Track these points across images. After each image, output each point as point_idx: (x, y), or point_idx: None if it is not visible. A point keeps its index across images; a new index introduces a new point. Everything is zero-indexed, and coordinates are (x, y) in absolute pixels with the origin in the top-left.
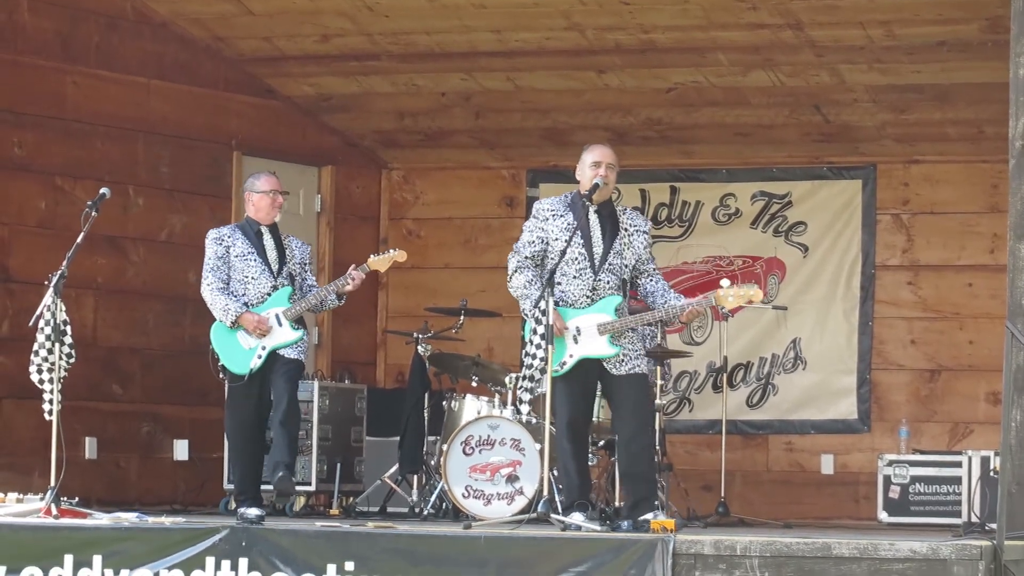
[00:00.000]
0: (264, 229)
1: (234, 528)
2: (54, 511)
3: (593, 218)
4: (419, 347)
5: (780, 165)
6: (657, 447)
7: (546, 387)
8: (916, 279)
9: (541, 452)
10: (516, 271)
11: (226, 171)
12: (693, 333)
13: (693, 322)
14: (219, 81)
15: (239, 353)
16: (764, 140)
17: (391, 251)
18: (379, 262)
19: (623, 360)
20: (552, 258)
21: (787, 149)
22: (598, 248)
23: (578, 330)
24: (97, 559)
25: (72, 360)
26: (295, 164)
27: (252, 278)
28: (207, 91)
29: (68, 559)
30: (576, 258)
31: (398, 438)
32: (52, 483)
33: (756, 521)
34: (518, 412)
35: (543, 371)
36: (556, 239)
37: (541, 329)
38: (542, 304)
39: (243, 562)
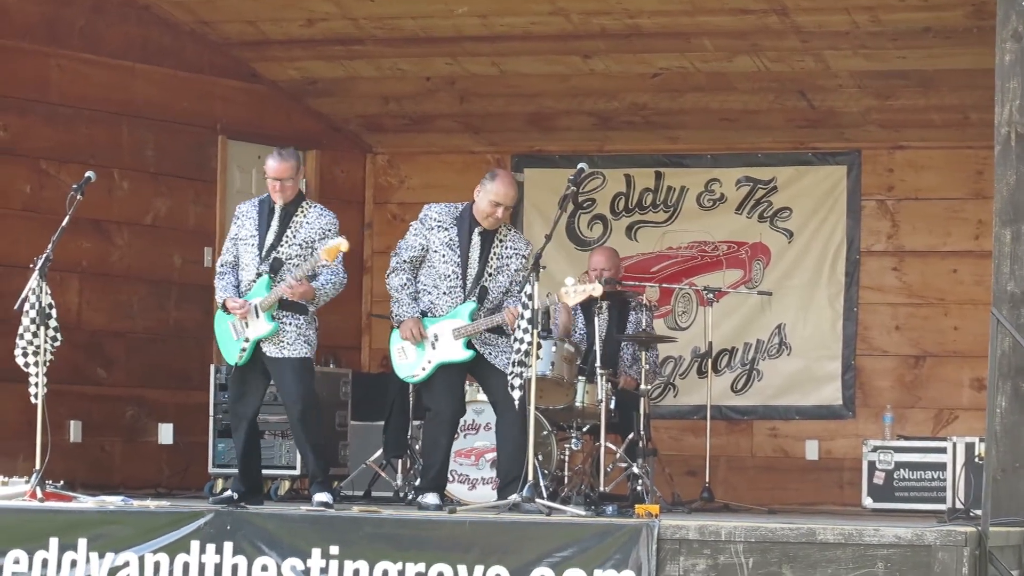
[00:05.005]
0: (277, 208)
1: (219, 512)
2: (39, 494)
3: (476, 239)
4: None
5: (765, 150)
6: (642, 432)
7: (532, 373)
8: (901, 265)
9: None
10: (393, 271)
11: (211, 155)
12: (678, 318)
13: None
14: (204, 65)
15: (229, 342)
16: (749, 125)
17: (337, 239)
18: (327, 252)
19: (497, 356)
20: (430, 265)
21: (772, 135)
22: (472, 269)
23: (436, 336)
24: (82, 542)
25: (57, 343)
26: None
27: (246, 264)
28: (192, 75)
29: (53, 542)
30: (449, 275)
31: (383, 422)
32: (37, 466)
33: (740, 506)
34: None
35: (528, 354)
36: (435, 251)
37: (528, 314)
38: (528, 288)
39: (228, 546)
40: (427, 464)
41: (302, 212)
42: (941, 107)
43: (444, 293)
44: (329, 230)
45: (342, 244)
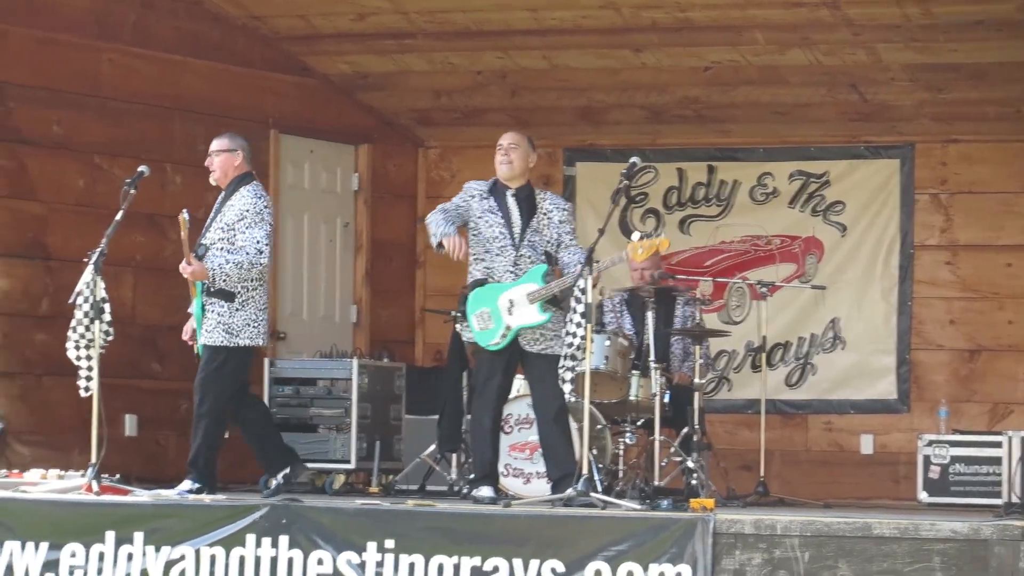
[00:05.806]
0: (223, 194)
1: (275, 506)
2: (95, 488)
3: (511, 200)
4: (457, 325)
5: (817, 144)
6: (696, 426)
7: (586, 365)
8: (955, 259)
9: (580, 431)
10: (434, 211)
11: (262, 149)
12: (731, 312)
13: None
14: (255, 59)
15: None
16: (801, 119)
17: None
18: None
19: (538, 339)
20: (477, 233)
21: (824, 128)
22: (516, 226)
23: (511, 303)
24: (138, 536)
25: (110, 337)
26: (332, 142)
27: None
28: (243, 69)
29: (110, 536)
30: (497, 236)
31: (437, 416)
32: (93, 460)
33: (796, 501)
34: None
35: (581, 348)
36: (479, 218)
37: (581, 307)
38: (581, 282)
39: (283, 539)
40: (474, 451)
41: (236, 195)
42: (994, 100)
43: (496, 254)
44: (247, 210)
45: (180, 216)
